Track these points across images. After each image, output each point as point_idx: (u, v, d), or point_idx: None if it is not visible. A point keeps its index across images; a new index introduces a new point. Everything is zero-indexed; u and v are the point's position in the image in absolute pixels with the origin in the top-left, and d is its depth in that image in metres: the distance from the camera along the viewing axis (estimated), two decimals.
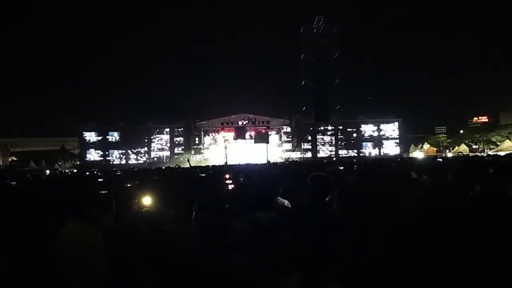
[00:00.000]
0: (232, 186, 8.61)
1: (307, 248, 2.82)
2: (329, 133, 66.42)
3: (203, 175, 14.57)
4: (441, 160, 22.98)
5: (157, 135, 66.18)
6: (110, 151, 65.76)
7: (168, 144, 66.06)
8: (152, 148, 66.13)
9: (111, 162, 63.30)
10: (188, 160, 17.44)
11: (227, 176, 10.98)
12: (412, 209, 3.92)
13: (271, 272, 3.06)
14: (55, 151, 71.16)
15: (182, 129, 64.89)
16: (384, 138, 66.21)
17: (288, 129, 65.60)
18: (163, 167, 27.60)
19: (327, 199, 4.10)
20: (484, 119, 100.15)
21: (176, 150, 65.49)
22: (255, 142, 60.60)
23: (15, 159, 74.13)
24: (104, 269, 3.57)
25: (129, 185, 6.90)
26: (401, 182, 6.44)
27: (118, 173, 20.72)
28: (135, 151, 65.85)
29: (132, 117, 67.98)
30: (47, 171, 24.07)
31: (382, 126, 66.20)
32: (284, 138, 65.82)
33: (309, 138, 65.97)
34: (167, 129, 65.88)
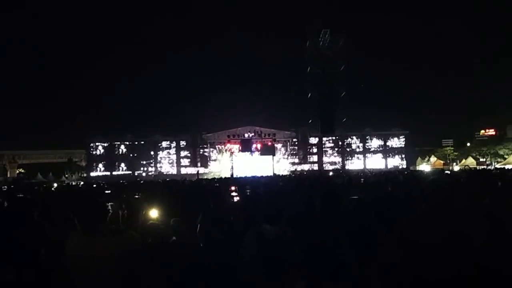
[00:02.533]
0: (237, 198, 8.61)
1: (314, 260, 2.82)
2: (335, 145, 66.25)
3: (208, 187, 14.57)
4: (449, 172, 22.88)
5: (163, 148, 66.34)
6: (117, 163, 65.91)
7: (175, 157, 66.15)
8: (158, 161, 66.25)
9: (118, 174, 63.35)
10: (197, 173, 17.50)
11: (233, 188, 11.00)
12: (420, 222, 3.90)
13: (277, 284, 3.06)
14: (62, 163, 71.53)
15: (188, 141, 64.94)
16: (391, 151, 65.90)
17: (294, 141, 65.52)
18: (169, 179, 27.62)
19: (335, 211, 4.09)
20: (491, 132, 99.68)
21: (182, 163, 65.57)
22: (261, 155, 60.57)
23: (23, 171, 74.48)
24: (112, 281, 3.58)
25: (136, 197, 6.92)
26: (409, 195, 6.42)
27: (125, 186, 20.78)
28: (141, 163, 65.97)
29: (139, 130, 68.35)
30: (55, 184, 24.12)
31: (388, 139, 65.91)
32: (290, 150, 65.72)
33: (315, 150, 65.84)
34: (174, 142, 66.01)
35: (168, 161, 66.48)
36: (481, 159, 62.46)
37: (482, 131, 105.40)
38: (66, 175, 63.61)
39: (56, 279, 4.14)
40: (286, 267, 3.32)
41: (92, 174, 64.63)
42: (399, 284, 3.11)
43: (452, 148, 76.15)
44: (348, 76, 65.53)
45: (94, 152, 66.15)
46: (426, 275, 3.07)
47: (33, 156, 77.28)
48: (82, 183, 37.44)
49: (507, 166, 34.54)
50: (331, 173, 42.99)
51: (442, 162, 61.55)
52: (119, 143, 66.35)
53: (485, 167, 43.67)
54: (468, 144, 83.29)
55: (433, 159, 65.62)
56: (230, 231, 4.20)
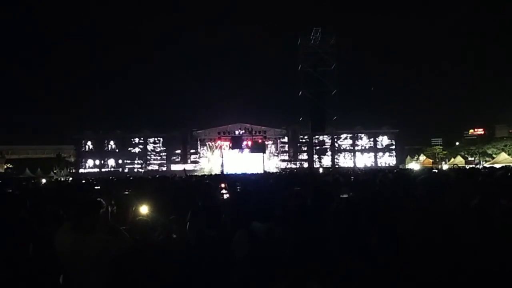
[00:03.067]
0: (227, 195, 8.61)
1: (304, 257, 2.83)
2: (325, 143, 66.46)
3: (198, 183, 14.54)
4: (436, 171, 23.04)
5: (153, 144, 66.13)
6: (106, 159, 65.61)
7: (165, 153, 65.99)
8: (148, 157, 66.03)
9: (107, 170, 63.02)
10: (184, 170, 17.47)
11: (222, 185, 10.99)
12: (410, 221, 3.93)
13: (268, 282, 3.06)
14: (51, 159, 70.98)
15: (178, 138, 64.74)
16: (381, 149, 66.30)
17: (285, 139, 65.62)
18: (158, 176, 27.53)
19: (325, 209, 4.11)
20: (480, 131, 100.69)
21: (172, 159, 65.42)
22: (251, 152, 60.60)
23: (11, 166, 73.82)
24: (102, 277, 3.56)
25: (126, 193, 6.90)
26: (398, 193, 6.45)
27: (114, 182, 20.68)
28: (131, 159, 65.71)
29: (129, 126, 68.19)
30: (43, 180, 23.93)
31: (378, 137, 66.30)
32: (281, 148, 65.83)
33: (306, 148, 66.04)
34: (164, 138, 65.81)
35: (158, 157, 66.25)
36: (469, 158, 63.03)
37: (471, 130, 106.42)
38: (55, 171, 63.11)
39: (45, 276, 4.11)
40: (276, 265, 3.32)
41: (81, 170, 64.27)
42: (389, 283, 3.12)
43: (441, 147, 76.79)
44: (339, 74, 65.78)
45: (83, 148, 65.78)
46: (416, 274, 3.09)
47: (21, 151, 76.67)
48: (71, 179, 37.20)
49: (495, 165, 34.86)
50: (321, 171, 43.15)
51: (431, 160, 61.96)
52: (108, 139, 66.02)
53: (473, 166, 44.05)
54: (457, 143, 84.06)
55: (422, 157, 66.07)
56: (221, 228, 4.20)
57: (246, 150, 61.28)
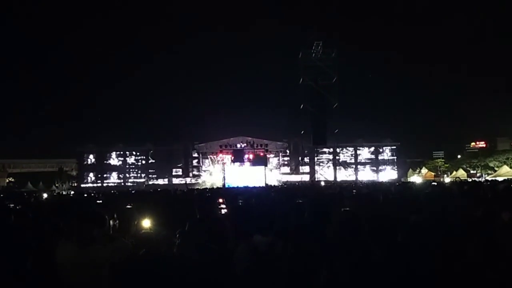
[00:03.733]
0: (225, 210, 8.58)
1: (306, 271, 2.83)
2: (327, 156, 66.36)
3: (198, 197, 14.53)
4: (436, 184, 22.99)
5: (155, 157, 66.09)
6: (108, 173, 65.57)
7: (167, 167, 65.89)
8: (150, 171, 65.96)
9: (109, 184, 62.96)
10: (186, 183, 17.52)
11: (220, 200, 10.91)
12: (413, 235, 3.93)
13: None
14: (52, 173, 70.95)
15: (180, 151, 64.71)
16: (382, 162, 66.19)
17: (287, 152, 65.56)
18: (160, 189, 27.52)
19: (326, 222, 4.10)
20: (481, 144, 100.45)
21: (174, 173, 65.33)
22: (253, 165, 60.54)
23: (12, 180, 73.79)
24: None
25: (128, 207, 6.91)
26: (401, 207, 6.44)
27: (116, 195, 20.67)
28: (133, 173, 65.69)
29: (131, 139, 68.08)
30: (44, 194, 23.94)
31: (380, 150, 66.19)
32: (283, 161, 65.76)
33: (308, 161, 65.94)
34: (165, 151, 65.77)
35: (159, 171, 66.15)
36: (471, 171, 62.87)
37: (473, 143, 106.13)
38: (57, 185, 63.04)
39: None
40: (277, 279, 3.32)
41: (83, 184, 64.20)
42: None
43: (443, 160, 76.56)
44: (340, 88, 65.92)
45: (85, 161, 65.79)
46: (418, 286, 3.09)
47: (23, 165, 76.71)
48: (72, 192, 37.17)
49: (497, 178, 34.77)
50: (323, 184, 43.03)
51: (433, 173, 61.79)
52: (110, 152, 66.01)
53: (475, 179, 43.92)
54: (459, 156, 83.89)
55: (424, 170, 65.88)
56: (223, 242, 4.20)
57: (248, 163, 61.26)
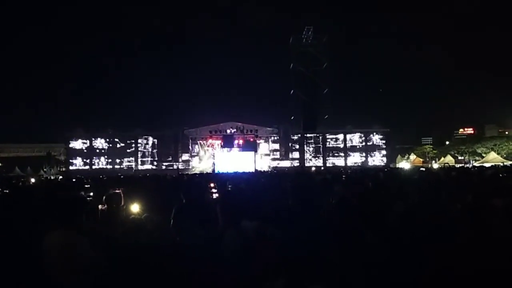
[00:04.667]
0: (217, 195, 8.59)
1: (294, 254, 2.82)
2: (317, 142, 66.53)
3: (188, 182, 14.51)
4: (424, 169, 23.19)
5: (144, 142, 65.83)
6: (97, 158, 65.23)
7: (156, 152, 65.72)
8: (139, 156, 65.71)
9: (97, 169, 62.64)
10: (178, 169, 17.49)
11: (212, 185, 10.94)
12: (402, 219, 3.94)
13: (258, 281, 3.05)
14: (41, 157, 70.42)
15: (170, 136, 64.46)
16: (371, 148, 66.48)
17: (276, 138, 65.59)
18: (149, 175, 27.44)
19: (316, 207, 4.11)
20: (470, 130, 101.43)
21: (163, 158, 65.22)
22: (243, 150, 60.63)
23: (0, 164, 73.15)
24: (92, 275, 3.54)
25: (117, 191, 6.87)
26: (389, 192, 6.47)
27: (105, 180, 20.57)
28: (122, 158, 65.41)
29: (120, 124, 67.74)
30: (32, 179, 23.77)
31: (369, 136, 66.44)
32: (272, 146, 65.81)
33: (297, 147, 66.09)
34: (155, 137, 65.53)
35: (149, 156, 65.96)
36: (459, 157, 63.52)
37: (461, 130, 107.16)
38: (45, 169, 62.64)
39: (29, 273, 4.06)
40: (266, 264, 3.31)
41: (71, 168, 63.85)
42: (382, 281, 3.13)
43: (431, 146, 77.26)
44: (331, 73, 65.94)
45: (73, 146, 65.32)
46: (409, 272, 3.10)
47: (11, 150, 75.94)
48: (60, 177, 36.94)
49: (485, 164, 35.16)
50: (313, 169, 43.28)
51: (421, 160, 62.38)
52: (99, 137, 65.59)
53: (463, 165, 44.40)
54: (447, 143, 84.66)
55: (412, 157, 66.48)
56: (211, 227, 4.19)
57: (238, 149, 61.32)
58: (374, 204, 4.61)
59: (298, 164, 63.63)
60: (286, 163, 63.40)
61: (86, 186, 14.08)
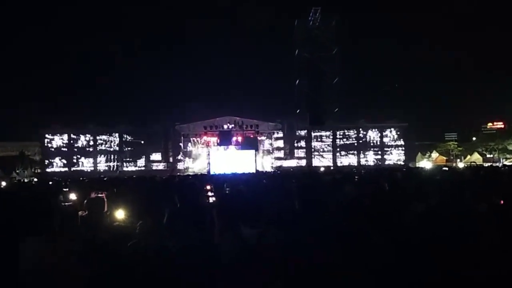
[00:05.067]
0: (214, 199, 8.62)
1: (296, 263, 2.85)
2: (326, 139, 66.46)
3: (181, 185, 14.53)
4: (447, 169, 23.19)
5: (131, 140, 65.72)
6: (77, 157, 65.10)
7: (144, 151, 65.65)
8: (125, 155, 65.60)
9: (77, 170, 62.60)
10: (171, 169, 17.54)
11: (208, 187, 10.98)
12: (420, 223, 3.96)
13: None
14: (13, 157, 70.46)
15: (159, 133, 64.35)
16: (388, 145, 66.36)
17: (280, 134, 65.51)
18: (136, 176, 27.46)
19: (323, 211, 4.14)
20: (499, 125, 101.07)
21: (152, 157, 65.21)
22: (242, 149, 60.59)
23: None
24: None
25: (99, 195, 6.91)
26: (408, 194, 6.49)
27: (86, 183, 20.61)
28: (105, 158, 65.34)
29: (103, 120, 67.45)
30: (3, 182, 23.81)
31: (385, 132, 66.30)
32: (275, 144, 65.78)
33: (304, 144, 66.04)
34: (142, 133, 65.43)
35: (136, 156, 65.87)
36: (488, 155, 63.43)
37: (490, 124, 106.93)
38: (17, 171, 62.67)
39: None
40: (266, 271, 3.36)
41: (48, 169, 63.80)
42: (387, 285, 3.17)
43: (455, 143, 77.13)
44: (341, 60, 65.69)
45: (50, 145, 65.22)
46: (422, 277, 3.14)
47: None
48: (35, 180, 37.01)
49: None
50: (322, 169, 43.26)
51: (444, 158, 62.45)
52: (79, 134, 65.42)
53: (492, 164, 44.38)
54: (474, 139, 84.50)
55: (434, 155, 66.49)
56: (206, 233, 4.22)
57: (236, 147, 61.27)
58: (388, 204, 4.64)
59: (304, 163, 63.63)
60: (291, 163, 63.41)
61: (64, 189, 14.10)
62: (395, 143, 66.38)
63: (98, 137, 65.54)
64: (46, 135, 65.14)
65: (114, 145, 65.66)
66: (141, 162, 65.69)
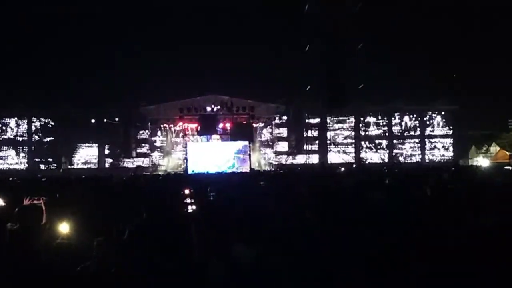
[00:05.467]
0: (194, 207, 8.63)
1: None
2: (346, 126, 66.35)
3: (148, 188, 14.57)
4: (510, 168, 23.28)
5: (79, 127, 64.94)
6: (4, 149, 64.63)
7: (96, 142, 65.14)
8: (72, 148, 65.02)
9: (4, 169, 62.40)
10: (137, 167, 17.60)
11: (187, 192, 10.99)
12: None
13: None
14: None
15: (117, 117, 63.91)
16: (432, 136, 66.25)
17: (284, 119, 65.27)
18: (86, 176, 27.50)
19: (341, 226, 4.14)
20: None
21: (107, 150, 64.85)
22: (231, 139, 60.35)
23: None
24: None
25: (35, 202, 6.89)
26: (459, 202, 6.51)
27: (17, 185, 20.60)
28: (44, 151, 64.87)
29: (41, 100, 66.44)
30: None
31: (427, 117, 66.18)
32: (277, 133, 65.60)
33: (316, 134, 65.88)
34: (93, 117, 64.91)
35: (85, 148, 65.44)
36: None
37: None
38: None
39: None
40: None
41: None
42: None
43: None
44: (366, 19, 65.40)
45: None
46: None
47: None
48: None
49: None
50: (340, 169, 43.11)
51: (507, 153, 62.30)
52: (5, 118, 64.87)
53: None
54: None
55: (494, 148, 66.36)
56: (184, 256, 4.22)
57: (223, 137, 61.16)
58: (433, 220, 4.65)
59: (317, 160, 63.54)
60: (298, 159, 63.31)
61: None
62: (442, 133, 66.25)
63: (33, 123, 64.93)
64: None
65: (55, 133, 64.89)
66: (92, 157, 65.19)
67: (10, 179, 30.76)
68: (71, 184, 18.86)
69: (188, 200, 9.71)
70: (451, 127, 66.15)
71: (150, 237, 4.14)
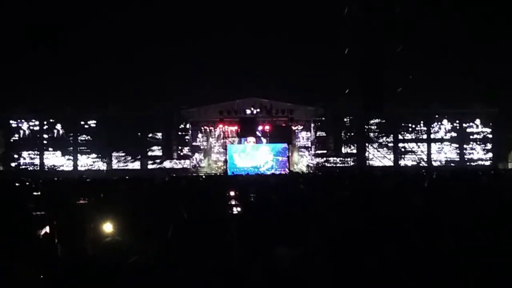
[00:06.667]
0: (239, 209, 8.61)
1: None
2: (384, 129, 65.91)
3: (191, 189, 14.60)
4: None
5: (122, 129, 65.31)
6: (49, 150, 65.27)
7: (139, 143, 65.48)
8: (114, 149, 65.35)
9: (51, 168, 63.06)
10: (165, 169, 17.66)
11: (232, 194, 11.00)
12: None
13: None
14: None
15: (159, 120, 64.28)
16: (470, 139, 65.45)
17: (322, 123, 65.06)
18: (129, 177, 27.74)
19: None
20: None
21: (150, 153, 65.12)
22: (270, 142, 60.41)
23: None
24: None
25: (80, 202, 6.97)
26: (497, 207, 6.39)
27: (62, 185, 20.83)
28: (87, 152, 65.40)
29: (84, 101, 67.23)
30: None
31: (466, 120, 65.40)
32: (316, 136, 65.42)
33: (354, 136, 65.58)
34: (136, 120, 65.27)
35: (128, 149, 65.72)
36: None
37: None
38: None
39: None
40: None
41: (13, 165, 64.19)
42: None
43: None
44: (406, 21, 64.85)
45: (14, 134, 65.57)
46: None
47: None
48: None
49: None
50: (379, 172, 42.93)
51: None
52: (52, 120, 65.71)
53: None
54: None
55: None
56: (225, 256, 4.20)
57: (261, 140, 61.16)
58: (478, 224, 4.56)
59: (354, 162, 63.23)
60: (337, 161, 63.05)
61: (35, 193, 14.25)
62: (480, 136, 65.43)
63: (78, 124, 65.53)
64: (10, 121, 65.32)
65: (98, 136, 65.32)
66: (137, 158, 65.49)
67: (55, 178, 31.15)
68: (114, 185, 19.02)
69: (233, 202, 9.71)
70: (490, 130, 65.21)
71: (192, 236, 4.12)
